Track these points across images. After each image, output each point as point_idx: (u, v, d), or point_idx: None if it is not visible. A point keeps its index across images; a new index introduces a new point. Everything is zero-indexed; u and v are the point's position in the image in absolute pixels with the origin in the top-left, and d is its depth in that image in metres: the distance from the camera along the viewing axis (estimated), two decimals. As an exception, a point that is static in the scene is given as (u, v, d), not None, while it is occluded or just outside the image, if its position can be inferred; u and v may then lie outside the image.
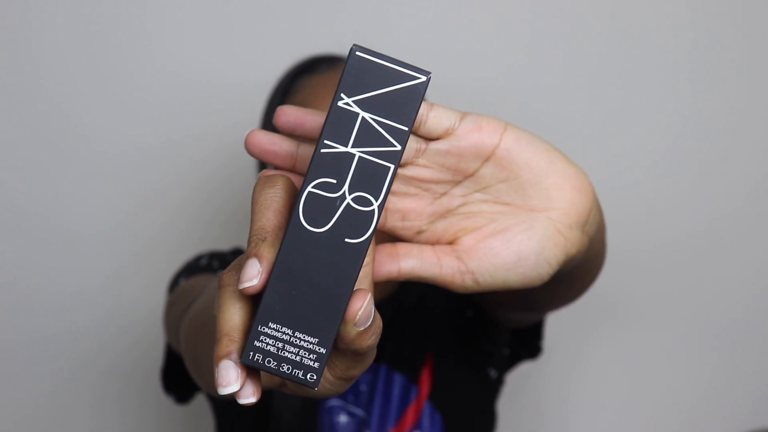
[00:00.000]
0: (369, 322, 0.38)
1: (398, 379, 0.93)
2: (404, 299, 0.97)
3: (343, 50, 1.00)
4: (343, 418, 0.91)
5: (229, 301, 0.38)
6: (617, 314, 1.32)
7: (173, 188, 1.26)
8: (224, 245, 1.10)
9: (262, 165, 0.97)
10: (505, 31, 1.27)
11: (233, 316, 0.38)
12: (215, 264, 0.96)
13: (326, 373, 0.40)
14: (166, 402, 1.05)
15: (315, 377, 0.38)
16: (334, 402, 0.91)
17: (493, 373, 0.97)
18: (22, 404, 1.27)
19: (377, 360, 0.92)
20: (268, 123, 0.97)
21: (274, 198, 0.39)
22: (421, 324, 0.96)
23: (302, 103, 0.93)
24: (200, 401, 1.13)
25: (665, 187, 1.30)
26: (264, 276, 0.37)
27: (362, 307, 0.37)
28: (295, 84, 0.96)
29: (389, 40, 1.17)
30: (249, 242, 0.38)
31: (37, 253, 1.25)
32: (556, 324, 1.05)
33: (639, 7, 1.27)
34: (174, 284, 0.95)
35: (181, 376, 0.96)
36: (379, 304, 0.96)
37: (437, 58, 1.23)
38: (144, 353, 1.24)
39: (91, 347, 1.26)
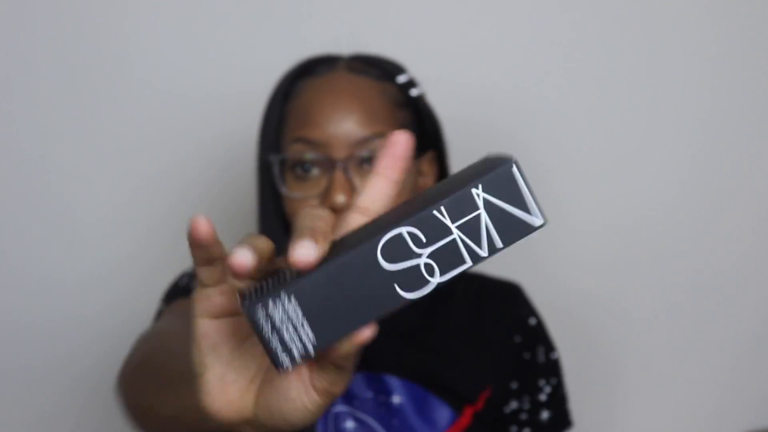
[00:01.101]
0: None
1: (438, 404, 0.92)
2: (441, 320, 0.97)
3: (341, 51, 0.99)
4: (349, 424, 0.90)
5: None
6: (617, 315, 1.32)
7: (175, 190, 1.26)
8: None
9: (263, 166, 0.96)
10: (505, 30, 1.27)
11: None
12: (194, 285, 0.95)
13: (312, 394, 0.42)
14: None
15: (287, 364, 0.40)
16: (340, 408, 0.90)
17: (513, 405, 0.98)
18: (25, 409, 1.27)
19: (409, 377, 0.92)
20: (267, 126, 0.96)
21: (323, 219, 0.42)
22: (479, 354, 0.96)
23: (304, 107, 0.92)
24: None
25: (665, 188, 1.30)
26: (317, 257, 0.39)
27: (368, 338, 0.40)
28: (295, 87, 0.95)
29: (387, 39, 1.16)
30: (299, 231, 0.40)
31: (34, 253, 1.24)
32: (559, 324, 1.05)
33: (641, 7, 1.27)
34: (159, 313, 0.95)
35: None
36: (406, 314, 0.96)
37: (436, 58, 1.23)
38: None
39: (94, 354, 1.26)
